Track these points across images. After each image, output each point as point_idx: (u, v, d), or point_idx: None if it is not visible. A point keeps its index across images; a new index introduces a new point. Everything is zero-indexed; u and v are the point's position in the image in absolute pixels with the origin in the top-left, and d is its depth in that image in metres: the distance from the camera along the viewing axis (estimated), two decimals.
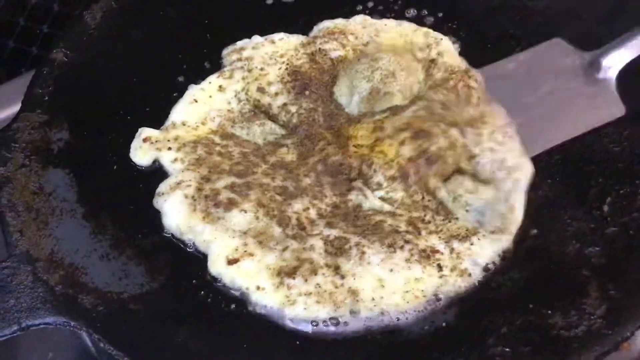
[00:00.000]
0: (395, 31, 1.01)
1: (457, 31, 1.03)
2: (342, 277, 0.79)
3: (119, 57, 1.02)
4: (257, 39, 1.01)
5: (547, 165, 0.89)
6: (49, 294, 0.79)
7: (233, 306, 0.79)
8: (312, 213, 0.84)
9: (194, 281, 0.81)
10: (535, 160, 0.89)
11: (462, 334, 0.77)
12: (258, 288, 0.79)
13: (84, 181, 0.90)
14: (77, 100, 0.97)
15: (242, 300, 0.80)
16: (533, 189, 0.87)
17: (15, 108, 0.98)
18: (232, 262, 0.80)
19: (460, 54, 1.00)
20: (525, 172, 0.86)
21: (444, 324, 0.77)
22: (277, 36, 1.01)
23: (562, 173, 0.88)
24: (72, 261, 0.82)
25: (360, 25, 1.02)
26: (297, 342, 0.77)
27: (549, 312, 0.76)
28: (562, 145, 0.90)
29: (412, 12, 1.05)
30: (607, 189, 0.86)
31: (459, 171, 0.86)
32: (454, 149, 0.87)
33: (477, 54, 0.99)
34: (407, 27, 1.01)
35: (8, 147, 0.91)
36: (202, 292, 0.80)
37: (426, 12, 1.05)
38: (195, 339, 0.77)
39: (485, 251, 0.81)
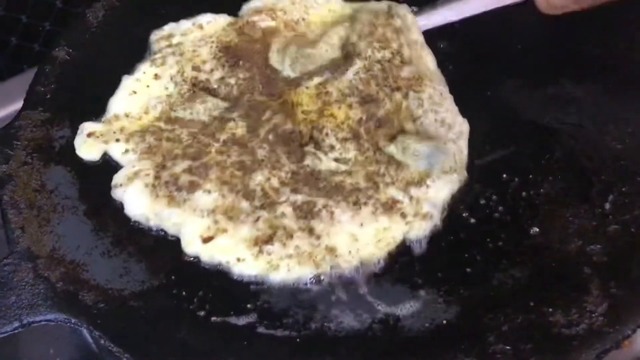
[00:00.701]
0: (324, 8, 1.02)
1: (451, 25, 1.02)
2: (318, 237, 0.82)
3: (121, 55, 1.02)
4: (184, 24, 1.01)
5: (548, 162, 0.89)
6: (50, 291, 0.79)
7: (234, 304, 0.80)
8: (275, 182, 0.86)
9: (193, 278, 0.81)
10: (537, 158, 0.89)
11: (462, 331, 0.77)
12: (238, 260, 0.81)
13: (85, 179, 0.90)
14: (79, 98, 0.97)
15: (243, 298, 0.80)
16: (534, 186, 0.87)
17: (17, 105, 0.98)
18: (207, 240, 0.82)
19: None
20: (464, 127, 0.91)
21: (444, 322, 0.77)
22: (204, 18, 1.01)
23: (564, 171, 0.88)
24: (73, 258, 0.82)
25: (289, 2, 1.02)
26: (298, 340, 0.77)
27: (550, 310, 0.76)
28: (564, 143, 0.90)
29: None
30: (610, 187, 0.86)
31: (403, 131, 0.90)
32: (398, 112, 0.90)
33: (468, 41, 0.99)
34: (335, 3, 1.03)
35: (10, 144, 0.91)
36: (201, 291, 0.80)
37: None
38: (195, 335, 0.77)
39: (440, 193, 0.85)
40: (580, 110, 0.93)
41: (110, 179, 0.89)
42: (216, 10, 1.02)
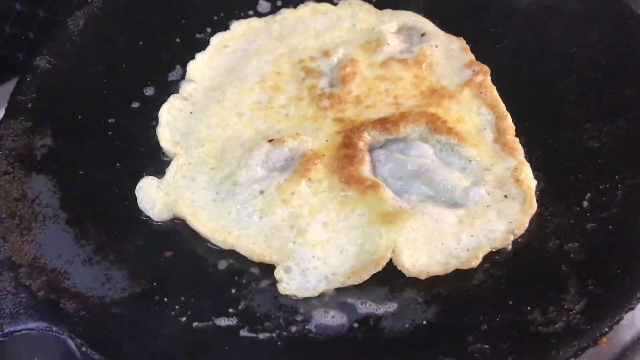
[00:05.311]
0: None
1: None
2: None
3: (102, 63, 1.02)
4: None
5: (527, 161, 0.89)
6: (32, 300, 0.79)
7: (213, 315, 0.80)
8: None
9: (175, 284, 0.82)
10: None
11: (442, 331, 0.77)
12: None
13: (67, 187, 0.90)
14: (61, 106, 0.98)
15: (225, 303, 0.80)
16: None
17: (0, 114, 0.98)
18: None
19: None
20: None
21: (424, 322, 0.78)
22: None
23: (542, 170, 0.89)
24: (54, 266, 0.82)
25: None
26: (279, 343, 0.77)
27: (529, 308, 0.77)
28: (542, 142, 0.91)
29: None
30: (587, 185, 0.87)
31: None
32: None
33: None
34: None
35: None
36: (183, 297, 0.81)
37: None
38: (177, 341, 0.77)
39: None
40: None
41: (91, 187, 0.90)
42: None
